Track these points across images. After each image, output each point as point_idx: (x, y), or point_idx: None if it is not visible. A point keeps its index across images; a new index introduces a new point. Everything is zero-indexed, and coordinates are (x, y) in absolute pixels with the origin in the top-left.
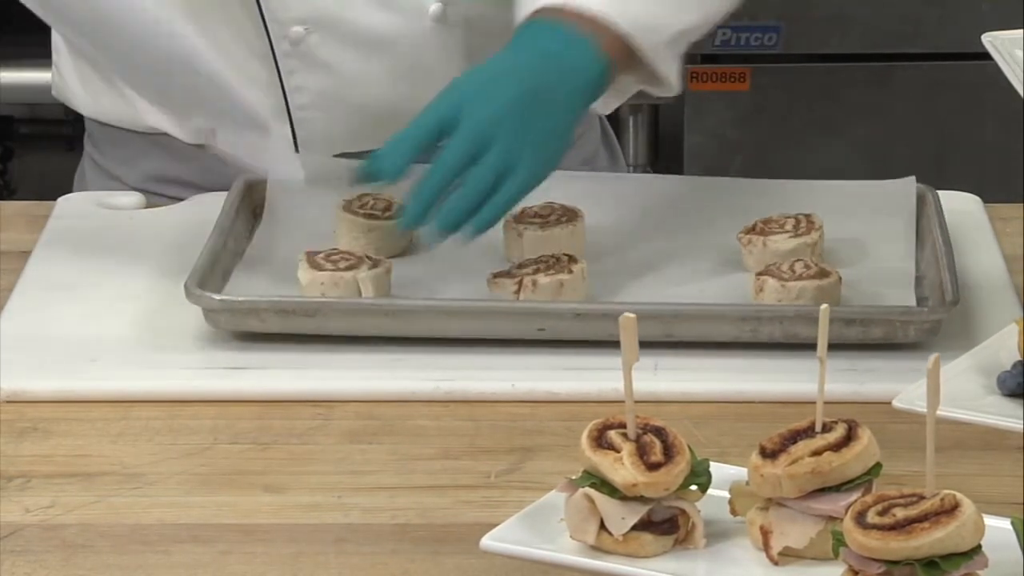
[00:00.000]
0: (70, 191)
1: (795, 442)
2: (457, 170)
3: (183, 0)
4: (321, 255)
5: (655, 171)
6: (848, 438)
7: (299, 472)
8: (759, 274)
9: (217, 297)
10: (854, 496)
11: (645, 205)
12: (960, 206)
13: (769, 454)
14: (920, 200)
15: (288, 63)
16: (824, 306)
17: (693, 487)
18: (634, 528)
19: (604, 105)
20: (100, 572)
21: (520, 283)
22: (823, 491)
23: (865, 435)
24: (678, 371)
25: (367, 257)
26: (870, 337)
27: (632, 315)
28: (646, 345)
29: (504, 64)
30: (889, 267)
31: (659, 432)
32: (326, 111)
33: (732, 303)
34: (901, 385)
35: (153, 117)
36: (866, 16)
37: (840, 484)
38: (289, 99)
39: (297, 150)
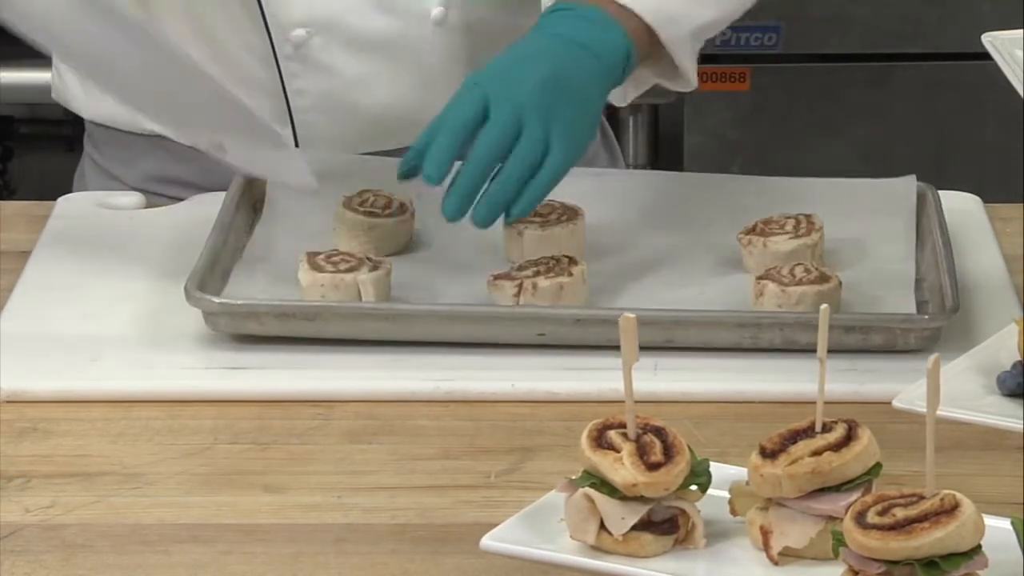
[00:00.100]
0: (70, 191)
1: (795, 442)
2: (493, 159)
3: (184, 3)
4: (322, 256)
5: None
6: (848, 438)
7: (299, 472)
8: (759, 278)
9: (216, 300)
10: (854, 496)
11: (645, 203)
12: (960, 206)
13: (769, 454)
14: (920, 199)
15: (290, 66)
16: (824, 306)
17: (693, 487)
18: (634, 528)
19: (622, 96)
20: (100, 572)
21: (520, 286)
22: (823, 491)
23: (865, 435)
24: (678, 371)
25: (367, 259)
26: (870, 344)
27: (632, 316)
28: (646, 348)
29: (527, 49)
30: (889, 269)
31: (659, 432)
32: (328, 114)
33: (732, 310)
34: (901, 385)
35: (153, 123)
36: (866, 16)
37: (840, 484)
38: (291, 102)
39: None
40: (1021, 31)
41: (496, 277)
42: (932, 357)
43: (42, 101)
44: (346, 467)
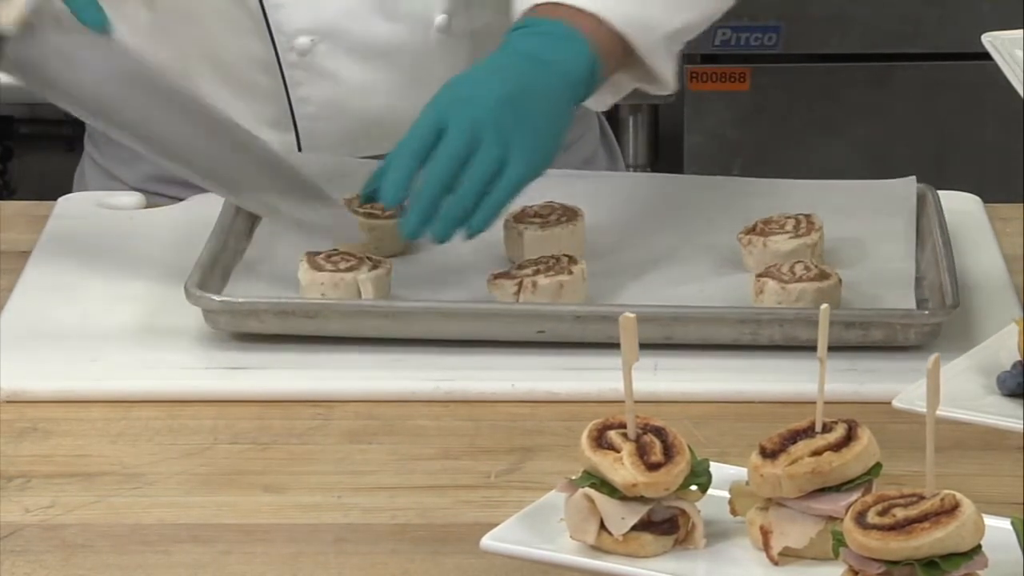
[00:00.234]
0: (70, 191)
1: (795, 442)
2: (449, 175)
3: (187, 10)
4: (321, 256)
5: (655, 171)
6: (848, 438)
7: (299, 472)
8: (759, 276)
9: (217, 298)
10: (854, 496)
11: (645, 204)
12: (960, 206)
13: (769, 454)
14: (920, 200)
15: (294, 74)
16: (824, 306)
17: (693, 487)
18: (634, 528)
19: (599, 102)
20: (100, 572)
21: (520, 284)
22: (823, 491)
23: (865, 435)
24: (678, 371)
25: (367, 258)
26: (870, 340)
27: (632, 315)
28: (646, 346)
29: (488, 67)
30: (889, 268)
31: (659, 432)
32: (331, 120)
33: (731, 306)
34: (901, 385)
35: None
36: (866, 16)
37: (840, 484)
38: (295, 109)
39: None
40: (1021, 31)
41: (496, 276)
42: (932, 357)
43: (42, 101)
44: (346, 467)
